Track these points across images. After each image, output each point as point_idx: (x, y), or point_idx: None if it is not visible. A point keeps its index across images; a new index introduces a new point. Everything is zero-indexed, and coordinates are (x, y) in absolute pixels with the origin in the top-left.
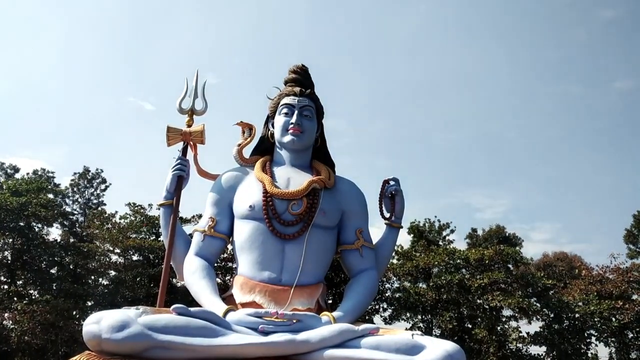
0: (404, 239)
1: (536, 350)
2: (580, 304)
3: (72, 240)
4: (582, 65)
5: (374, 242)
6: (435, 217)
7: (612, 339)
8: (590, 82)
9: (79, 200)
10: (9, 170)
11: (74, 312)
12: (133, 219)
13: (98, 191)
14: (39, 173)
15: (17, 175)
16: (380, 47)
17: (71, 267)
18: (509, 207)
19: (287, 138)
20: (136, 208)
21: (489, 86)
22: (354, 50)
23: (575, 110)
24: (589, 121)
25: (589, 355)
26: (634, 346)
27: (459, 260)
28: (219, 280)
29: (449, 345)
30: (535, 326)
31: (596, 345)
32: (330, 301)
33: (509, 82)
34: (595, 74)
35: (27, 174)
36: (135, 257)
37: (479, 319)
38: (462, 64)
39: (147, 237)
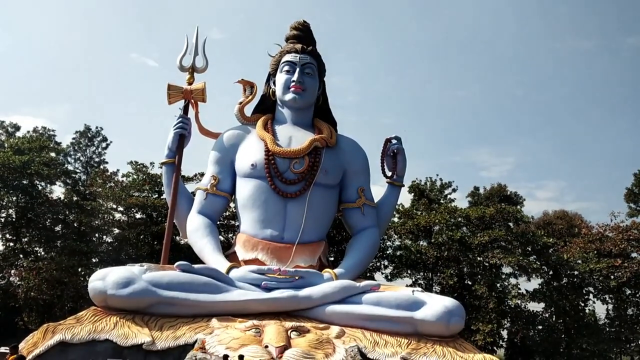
0: (405, 198)
1: (535, 306)
2: (579, 261)
3: (75, 198)
4: (594, 20)
5: (375, 201)
6: (437, 175)
7: (610, 296)
8: (601, 38)
9: (81, 158)
10: (9, 129)
11: (79, 269)
12: (135, 177)
13: (99, 149)
14: (40, 131)
15: (18, 134)
16: (387, 3)
17: (75, 225)
18: (515, 165)
19: (289, 96)
20: (138, 166)
21: (497, 43)
22: (361, 6)
23: (584, 66)
24: (598, 78)
25: (587, 311)
26: (631, 303)
27: (459, 219)
28: (221, 238)
29: (448, 301)
30: (534, 283)
31: (594, 302)
32: (332, 258)
33: (517, 39)
34: (607, 29)
35: (28, 132)
36: (138, 215)
37: (479, 276)
38: (470, 20)
39: (150, 195)
